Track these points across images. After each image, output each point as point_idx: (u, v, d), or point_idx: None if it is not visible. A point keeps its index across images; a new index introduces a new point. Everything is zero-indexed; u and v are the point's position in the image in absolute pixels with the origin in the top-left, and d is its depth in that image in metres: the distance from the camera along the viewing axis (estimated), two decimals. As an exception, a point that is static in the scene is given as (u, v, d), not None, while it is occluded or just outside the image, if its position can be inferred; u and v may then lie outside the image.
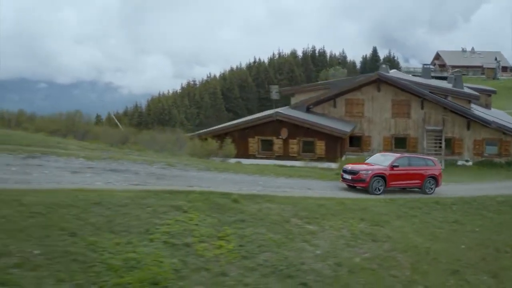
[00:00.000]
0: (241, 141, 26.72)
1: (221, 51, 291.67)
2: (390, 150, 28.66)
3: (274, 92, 30.91)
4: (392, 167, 17.59)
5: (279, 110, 28.60)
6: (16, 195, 10.78)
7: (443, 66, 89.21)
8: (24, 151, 15.32)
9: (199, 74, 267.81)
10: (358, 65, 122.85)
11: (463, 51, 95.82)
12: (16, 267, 8.27)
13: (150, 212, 11.25)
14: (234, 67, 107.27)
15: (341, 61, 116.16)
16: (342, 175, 18.04)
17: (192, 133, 28.98)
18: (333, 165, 24.12)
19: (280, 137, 27.22)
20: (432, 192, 18.38)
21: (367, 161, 19.34)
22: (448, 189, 20.17)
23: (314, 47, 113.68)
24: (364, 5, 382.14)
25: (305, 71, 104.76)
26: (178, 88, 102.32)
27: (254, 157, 26.87)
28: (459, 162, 30.28)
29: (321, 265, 11.29)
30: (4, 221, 9.58)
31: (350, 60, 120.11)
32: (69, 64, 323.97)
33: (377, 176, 17.19)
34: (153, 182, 14.02)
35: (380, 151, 26.54)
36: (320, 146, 26.25)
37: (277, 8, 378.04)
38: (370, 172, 17.13)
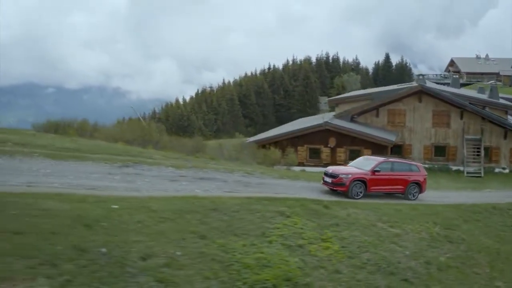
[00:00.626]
0: (290, 150, 28.00)
1: (229, 56, 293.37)
2: (430, 159, 29.98)
3: (323, 103, 32.35)
4: (374, 171, 17.28)
5: (327, 119, 29.91)
6: (141, 202, 12.12)
7: (457, 72, 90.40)
8: (117, 161, 16.71)
9: (208, 79, 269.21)
10: (371, 71, 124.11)
11: (477, 57, 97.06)
12: (165, 267, 9.55)
13: (260, 217, 12.58)
14: (248, 73, 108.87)
15: (354, 67, 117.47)
16: (323, 178, 17.75)
17: (245, 141, 30.24)
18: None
19: (329, 145, 28.60)
20: (415, 198, 18.00)
21: (350, 165, 19.28)
22: (493, 194, 21.46)
23: (328, 53, 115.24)
24: (371, 10, 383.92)
25: (319, 77, 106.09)
26: (190, 93, 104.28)
27: (303, 164, 28.12)
28: (496, 170, 31.67)
29: (414, 263, 12.63)
30: (141, 226, 10.91)
31: (363, 66, 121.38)
32: (78, 69, 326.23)
33: (357, 180, 16.91)
34: (243, 190, 15.39)
35: (420, 159, 27.83)
36: (367, 155, 27.52)
37: (285, 14, 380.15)
38: (350, 176, 16.87)
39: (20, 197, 11.09)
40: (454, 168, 30.82)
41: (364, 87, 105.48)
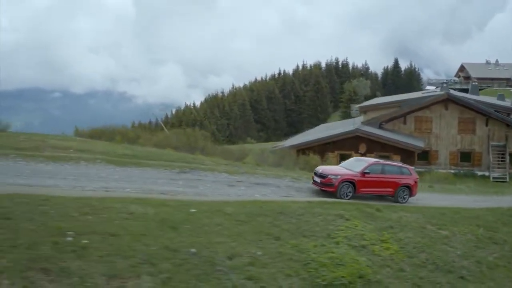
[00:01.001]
0: (320, 156, 29.03)
1: (235, 61, 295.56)
2: (456, 164, 31.08)
3: (354, 110, 33.48)
4: (363, 173, 17.24)
5: (358, 127, 30.96)
6: (215, 206, 13.16)
7: (467, 78, 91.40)
8: (174, 167, 17.79)
9: (214, 84, 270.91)
10: (380, 76, 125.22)
11: (487, 63, 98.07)
12: (250, 265, 10.54)
13: (322, 220, 13.60)
14: (258, 78, 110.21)
15: (363, 72, 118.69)
16: (313, 178, 17.86)
17: (275, 147, 31.27)
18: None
19: (359, 151, 29.65)
20: (405, 201, 17.89)
21: (341, 165, 19.21)
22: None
23: (337, 58, 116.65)
24: (377, 16, 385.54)
25: (329, 82, 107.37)
26: (196, 98, 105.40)
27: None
28: (521, 175, 32.72)
29: (466, 262, 13.63)
30: (221, 228, 11.94)
31: (372, 72, 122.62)
32: (84, 74, 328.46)
33: (346, 181, 16.93)
34: (296, 194, 16.47)
35: (446, 165, 28.85)
36: (396, 160, 28.54)
37: (291, 19, 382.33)
38: (339, 177, 16.92)
39: (104, 202, 12.11)
40: (480, 173, 31.92)
41: (373, 92, 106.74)
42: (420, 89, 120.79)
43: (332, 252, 11.92)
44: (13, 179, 13.53)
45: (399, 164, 19.85)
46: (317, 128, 44.70)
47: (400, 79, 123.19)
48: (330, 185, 16.85)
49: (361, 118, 36.44)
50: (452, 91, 41.19)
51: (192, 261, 10.06)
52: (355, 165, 18.15)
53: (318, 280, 10.78)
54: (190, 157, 20.17)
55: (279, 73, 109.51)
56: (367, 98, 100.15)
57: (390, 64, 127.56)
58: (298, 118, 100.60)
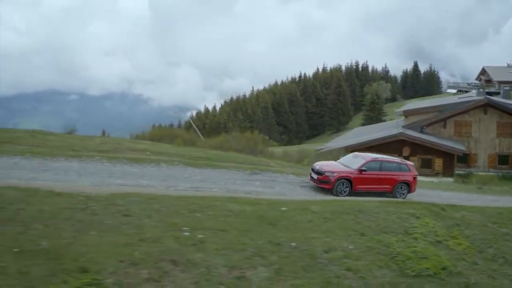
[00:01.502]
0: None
1: (250, 64, 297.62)
2: (494, 167, 32.22)
3: (397, 114, 34.77)
4: (360, 170, 17.22)
5: (401, 130, 32.22)
6: (301, 205, 14.53)
7: (488, 81, 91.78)
8: (245, 168, 19.21)
9: (229, 86, 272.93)
10: (399, 78, 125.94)
11: (509, 66, 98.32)
12: (345, 258, 11.88)
13: (397, 217, 14.93)
14: (279, 81, 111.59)
15: (383, 75, 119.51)
16: (310, 174, 17.89)
17: (320, 149, 32.62)
18: (450, 179, 27.69)
19: (403, 154, 30.90)
20: (404, 197, 17.90)
21: (339, 161, 19.05)
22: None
23: (358, 62, 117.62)
24: (392, 18, 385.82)
25: (350, 85, 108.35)
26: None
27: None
28: (557, 176, 33.82)
29: (529, 257, 14.84)
30: (313, 225, 13.31)
31: (392, 75, 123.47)
32: (100, 76, 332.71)
33: (342, 179, 16.91)
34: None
35: (485, 168, 30.01)
36: (438, 163, 29.82)
37: (306, 22, 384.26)
38: (336, 174, 16.91)
39: (204, 200, 13.50)
40: (517, 175, 32.99)
41: (393, 95, 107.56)
42: (440, 92, 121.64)
43: (414, 247, 13.24)
44: (110, 179, 15.02)
45: (398, 160, 19.44)
46: (354, 130, 46.06)
47: (419, 82, 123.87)
48: (327, 182, 16.86)
49: (401, 122, 37.58)
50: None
51: (294, 254, 11.44)
52: (352, 161, 18.08)
53: (407, 271, 12.11)
54: (255, 159, 21.61)
55: (300, 76, 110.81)
56: (388, 101, 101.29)
57: (405, 66, 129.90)
58: (319, 121, 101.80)
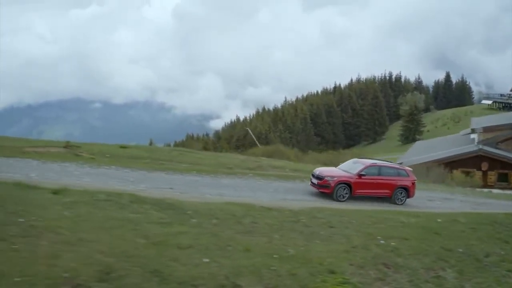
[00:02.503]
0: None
1: (273, 72, 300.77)
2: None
3: (478, 130, 37.25)
4: (360, 175, 17.62)
5: (480, 146, 34.65)
6: (450, 217, 17.03)
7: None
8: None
9: (252, 95, 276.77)
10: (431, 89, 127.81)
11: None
12: (501, 261, 14.27)
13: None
14: (314, 91, 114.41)
15: (416, 85, 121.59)
16: (311, 179, 18.31)
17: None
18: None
19: (481, 169, 33.37)
20: (403, 203, 18.35)
21: (339, 167, 19.36)
22: None
23: (391, 72, 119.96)
24: (413, 26, 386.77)
25: (384, 96, 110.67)
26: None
27: (458, 186, 32.97)
28: None
29: None
30: (465, 233, 15.69)
31: (425, 85, 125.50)
32: (124, 85, 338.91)
33: (342, 183, 17.32)
34: (483, 207, 20.29)
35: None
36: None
37: (329, 30, 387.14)
38: (335, 179, 17.31)
39: (377, 213, 15.88)
40: None
41: (426, 105, 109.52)
42: (472, 103, 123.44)
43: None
44: (280, 195, 17.01)
45: (397, 166, 19.94)
46: (417, 145, 48.35)
47: (451, 92, 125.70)
48: (327, 186, 17.27)
49: (474, 137, 39.87)
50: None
51: (464, 258, 13.76)
52: (352, 167, 18.52)
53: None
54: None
55: (334, 87, 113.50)
56: (421, 111, 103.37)
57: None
58: (355, 131, 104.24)
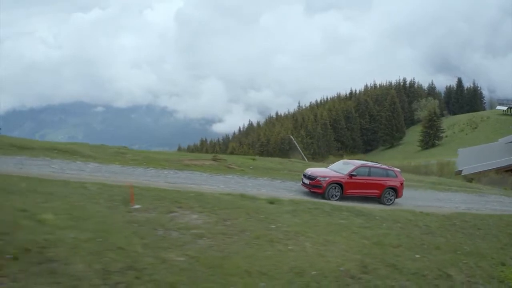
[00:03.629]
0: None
1: (275, 76, 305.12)
2: None
3: None
4: (350, 175, 18.02)
5: None
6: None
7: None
8: (443, 186, 24.96)
9: (254, 98, 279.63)
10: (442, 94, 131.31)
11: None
12: None
13: None
14: (330, 96, 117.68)
15: (429, 91, 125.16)
16: (302, 179, 18.73)
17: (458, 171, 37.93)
18: None
19: (541, 176, 36.35)
20: (391, 203, 18.70)
21: (329, 168, 19.89)
22: None
23: (405, 78, 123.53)
24: (416, 30, 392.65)
25: (399, 102, 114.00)
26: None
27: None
28: None
29: None
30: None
31: (438, 91, 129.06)
32: (126, 89, 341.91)
33: (333, 183, 17.69)
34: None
35: None
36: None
37: (332, 35, 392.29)
38: (327, 179, 17.69)
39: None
40: None
41: (441, 111, 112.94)
42: (483, 108, 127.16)
43: None
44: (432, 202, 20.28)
45: (385, 166, 20.32)
46: (462, 152, 51.18)
47: (463, 98, 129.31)
48: (319, 186, 17.65)
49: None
50: None
51: None
52: (343, 167, 19.01)
53: None
54: (437, 179, 27.48)
55: (351, 93, 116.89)
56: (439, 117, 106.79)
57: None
58: (372, 136, 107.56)
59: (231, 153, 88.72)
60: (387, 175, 18.97)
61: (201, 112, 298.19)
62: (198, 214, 11.67)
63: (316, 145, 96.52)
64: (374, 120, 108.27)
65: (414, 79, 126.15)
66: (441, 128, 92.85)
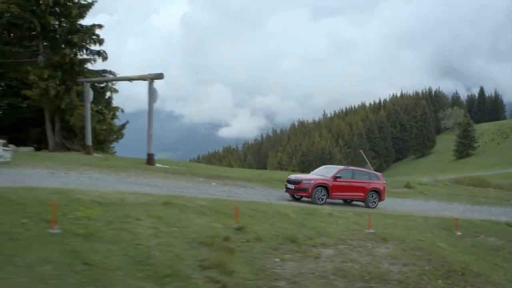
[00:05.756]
0: None
1: (281, 81, 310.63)
2: None
3: None
4: (335, 178, 17.99)
5: None
6: None
7: None
8: None
9: (260, 103, 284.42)
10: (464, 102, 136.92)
11: None
12: None
13: None
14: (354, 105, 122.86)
15: (453, 101, 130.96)
16: (286, 185, 18.52)
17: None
18: None
19: None
20: (375, 206, 18.71)
21: (311, 173, 19.89)
22: None
23: (431, 88, 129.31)
24: (420, 35, 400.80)
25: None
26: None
27: None
28: None
29: None
30: None
31: (462, 99, 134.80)
32: (132, 93, 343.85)
33: (319, 186, 17.64)
34: None
35: None
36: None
37: (337, 40, 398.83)
38: (312, 181, 17.62)
39: None
40: None
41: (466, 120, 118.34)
42: (504, 117, 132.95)
43: None
44: None
45: (367, 170, 20.75)
46: None
47: (485, 105, 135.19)
48: (304, 190, 17.58)
49: None
50: None
51: None
52: (325, 171, 19.14)
53: None
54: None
55: (379, 102, 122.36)
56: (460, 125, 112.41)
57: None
58: (403, 145, 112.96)
59: (279, 165, 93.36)
60: (370, 178, 19.22)
61: (207, 116, 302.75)
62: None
63: (353, 154, 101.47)
64: (405, 129, 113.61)
65: (439, 88, 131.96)
66: (475, 138, 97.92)
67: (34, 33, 26.57)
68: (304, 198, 17.69)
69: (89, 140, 24.94)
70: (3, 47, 25.76)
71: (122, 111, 29.13)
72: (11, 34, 27.74)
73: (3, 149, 16.69)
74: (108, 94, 29.64)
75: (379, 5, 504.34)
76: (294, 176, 18.84)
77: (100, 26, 27.23)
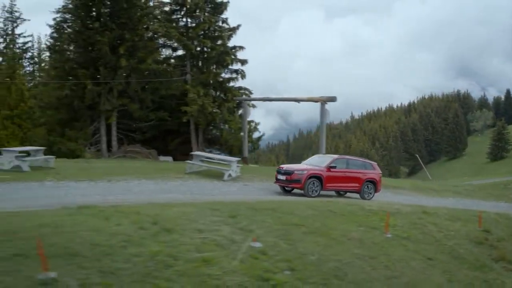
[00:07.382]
0: None
1: (295, 82, 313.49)
2: None
3: None
4: (329, 168, 16.83)
5: None
6: None
7: None
8: None
9: (275, 104, 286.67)
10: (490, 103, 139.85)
11: None
12: None
13: None
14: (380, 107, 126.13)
15: (483, 103, 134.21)
16: (276, 176, 17.31)
17: None
18: None
19: None
20: (371, 198, 17.51)
21: (304, 163, 18.72)
22: None
23: (459, 90, 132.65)
24: (434, 35, 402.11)
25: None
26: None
27: None
28: None
29: None
30: None
31: (489, 101, 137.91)
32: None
33: (313, 177, 16.44)
34: None
35: None
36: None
37: (351, 40, 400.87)
38: (305, 172, 16.46)
39: None
40: None
41: (494, 122, 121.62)
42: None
43: None
44: None
45: (362, 159, 19.88)
46: None
47: (511, 108, 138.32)
48: (297, 181, 16.38)
49: None
50: None
51: None
52: (319, 161, 18.04)
53: None
54: None
55: (409, 104, 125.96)
56: (489, 128, 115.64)
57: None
58: (435, 147, 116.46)
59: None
60: (365, 167, 18.06)
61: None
62: None
63: (388, 156, 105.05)
64: (436, 131, 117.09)
65: (467, 90, 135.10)
66: (509, 141, 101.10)
67: (181, 53, 30.62)
68: (295, 191, 16.86)
69: (245, 152, 28.88)
70: (157, 66, 29.44)
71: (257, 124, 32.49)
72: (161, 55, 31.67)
73: (237, 166, 18.81)
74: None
75: (394, 5, 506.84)
76: (285, 166, 17.78)
77: (241, 48, 30.85)
